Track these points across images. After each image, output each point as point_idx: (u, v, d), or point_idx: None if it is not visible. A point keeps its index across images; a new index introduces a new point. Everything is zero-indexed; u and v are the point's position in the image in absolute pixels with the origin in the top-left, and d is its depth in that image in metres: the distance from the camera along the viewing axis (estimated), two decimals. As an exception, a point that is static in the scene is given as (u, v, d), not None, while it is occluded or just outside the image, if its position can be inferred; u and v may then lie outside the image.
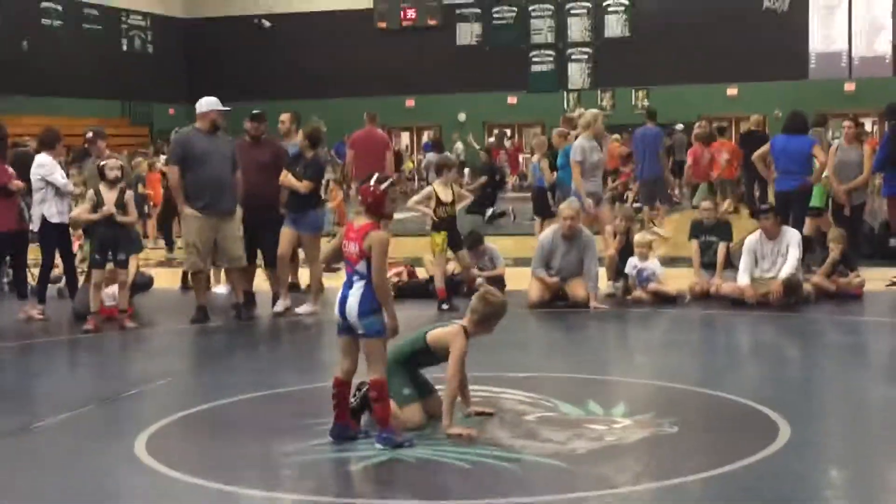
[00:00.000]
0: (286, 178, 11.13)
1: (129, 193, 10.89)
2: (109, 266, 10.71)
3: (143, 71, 37.10)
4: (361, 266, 6.27)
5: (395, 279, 12.46)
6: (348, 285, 6.33)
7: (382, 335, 6.29)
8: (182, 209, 10.90)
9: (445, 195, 11.59)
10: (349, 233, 6.39)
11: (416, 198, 11.98)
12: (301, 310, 11.20)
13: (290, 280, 11.91)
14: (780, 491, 5.47)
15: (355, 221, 6.45)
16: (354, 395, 6.61)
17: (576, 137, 13.30)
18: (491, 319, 6.77)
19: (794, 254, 11.12)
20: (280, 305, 11.34)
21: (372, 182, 6.46)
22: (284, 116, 12.86)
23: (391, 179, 6.56)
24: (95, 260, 10.66)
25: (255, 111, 11.87)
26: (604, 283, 11.81)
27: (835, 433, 6.74)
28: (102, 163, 10.91)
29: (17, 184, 11.09)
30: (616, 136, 23.17)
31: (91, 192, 10.79)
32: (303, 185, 11.08)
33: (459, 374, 6.60)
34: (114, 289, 10.91)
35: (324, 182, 12.73)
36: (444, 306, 11.21)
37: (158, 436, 6.67)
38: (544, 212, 15.75)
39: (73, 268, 11.81)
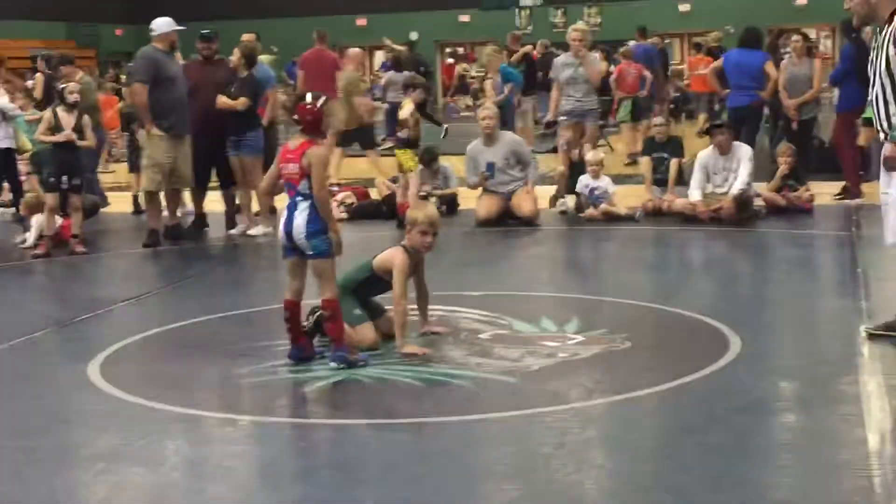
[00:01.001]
0: (221, 101, 10.99)
1: (87, 118, 10.73)
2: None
3: (88, -9, 36.41)
4: (304, 186, 6.22)
5: (348, 201, 12.44)
6: (293, 207, 6.27)
7: (330, 255, 6.27)
8: (149, 129, 10.75)
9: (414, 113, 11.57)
10: (286, 154, 6.32)
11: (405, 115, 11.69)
12: (254, 231, 11.16)
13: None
14: (730, 402, 5.55)
15: (291, 142, 6.38)
16: (307, 319, 6.61)
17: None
18: (418, 225, 6.71)
19: (746, 169, 11.18)
20: (239, 229, 11.32)
21: (308, 99, 6.38)
22: (248, 36, 12.75)
23: (325, 96, 6.48)
24: (51, 183, 10.53)
25: (204, 31, 11.70)
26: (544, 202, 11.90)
27: (785, 345, 6.84)
28: (62, 85, 10.76)
29: None
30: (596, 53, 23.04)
31: (48, 113, 10.64)
32: (239, 102, 10.97)
33: (404, 292, 6.61)
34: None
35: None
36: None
37: (112, 359, 6.65)
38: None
39: (21, 192, 11.67)
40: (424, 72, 21.31)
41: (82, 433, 5.49)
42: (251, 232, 11.15)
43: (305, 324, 6.59)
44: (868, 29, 11.63)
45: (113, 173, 17.37)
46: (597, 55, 13.08)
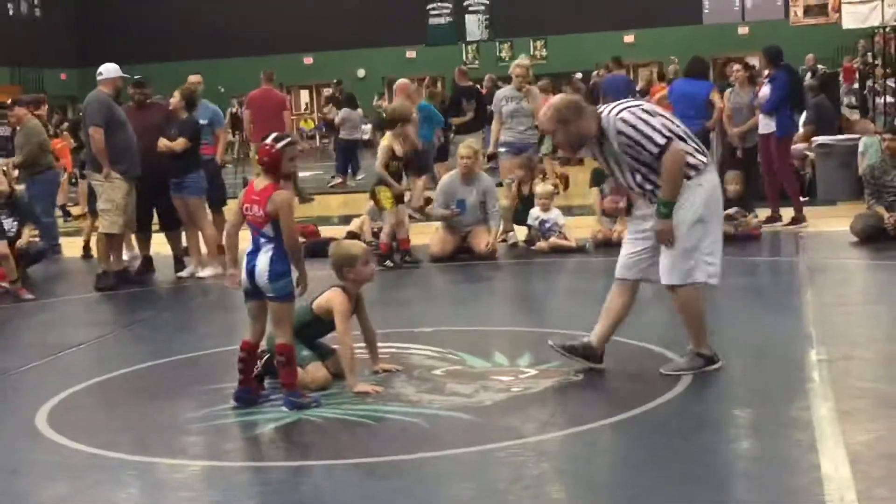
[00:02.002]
0: (162, 143, 10.97)
1: (2, 163, 10.69)
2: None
3: (32, 36, 36.20)
4: (268, 229, 6.15)
5: (302, 239, 12.39)
6: (255, 249, 6.21)
7: (291, 299, 6.21)
8: (107, 172, 10.67)
9: (399, 149, 11.36)
10: (250, 195, 6.26)
11: (381, 158, 11.43)
12: (203, 273, 11.09)
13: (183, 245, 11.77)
14: (684, 431, 5.55)
15: (256, 182, 6.33)
16: (256, 364, 6.55)
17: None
18: (359, 259, 6.70)
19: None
20: (188, 271, 11.27)
21: (269, 140, 6.34)
22: (194, 78, 12.74)
23: (289, 138, 6.44)
24: None
25: (136, 77, 11.79)
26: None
27: (736, 373, 6.83)
28: None
29: None
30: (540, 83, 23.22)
31: None
32: (178, 144, 10.94)
33: (348, 332, 6.57)
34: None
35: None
36: (388, 263, 11.07)
37: (60, 408, 6.55)
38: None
39: None
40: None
41: (29, 483, 5.39)
42: (201, 274, 11.08)
43: (256, 368, 6.53)
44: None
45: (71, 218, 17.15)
46: (535, 89, 13.12)
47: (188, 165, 11.05)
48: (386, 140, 11.43)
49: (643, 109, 6.36)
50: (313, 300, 6.76)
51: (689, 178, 6.34)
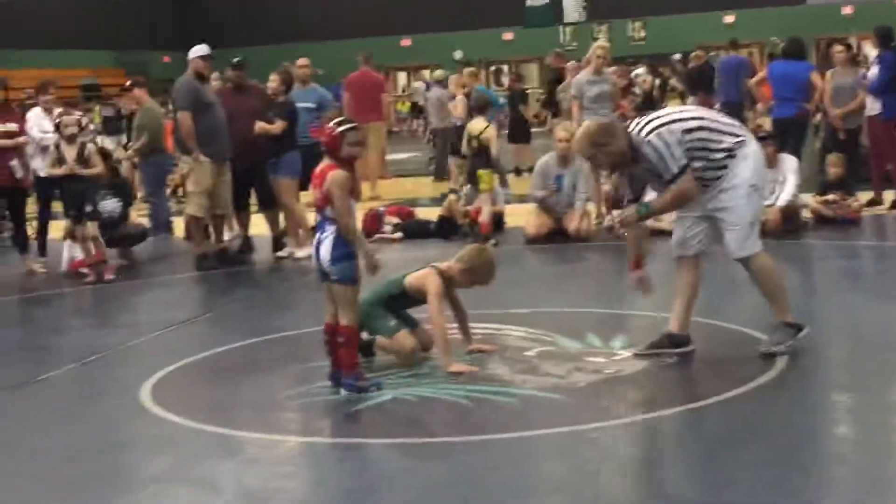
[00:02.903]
0: (259, 126, 11.12)
1: (91, 147, 10.95)
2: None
3: (136, 19, 36.85)
4: (329, 210, 6.20)
5: (395, 220, 12.51)
6: (321, 231, 6.28)
7: (353, 282, 6.21)
8: (196, 156, 10.89)
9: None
10: (314, 179, 6.34)
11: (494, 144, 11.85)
12: (300, 253, 11.25)
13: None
14: (779, 415, 5.53)
15: (319, 167, 6.37)
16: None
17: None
18: (481, 272, 6.81)
19: (792, 181, 11.11)
20: (287, 251, 11.44)
21: (331, 124, 6.38)
22: (303, 61, 12.89)
23: (352, 124, 6.38)
24: (68, 215, 10.83)
25: (236, 59, 11.87)
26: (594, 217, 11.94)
27: (833, 358, 6.78)
28: (58, 119, 10.95)
29: (2, 142, 10.92)
30: (613, 68, 23.15)
31: (52, 147, 10.87)
32: (276, 127, 11.10)
33: (442, 312, 6.63)
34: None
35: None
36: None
37: (163, 383, 6.73)
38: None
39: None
40: None
41: (134, 456, 5.57)
42: (298, 254, 11.24)
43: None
44: None
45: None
46: (637, 71, 13.13)
47: (286, 144, 11.22)
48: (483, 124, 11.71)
49: (671, 131, 6.37)
50: (406, 274, 6.84)
51: (733, 156, 6.43)
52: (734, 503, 4.45)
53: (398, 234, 12.14)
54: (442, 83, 18.72)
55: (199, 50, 11.10)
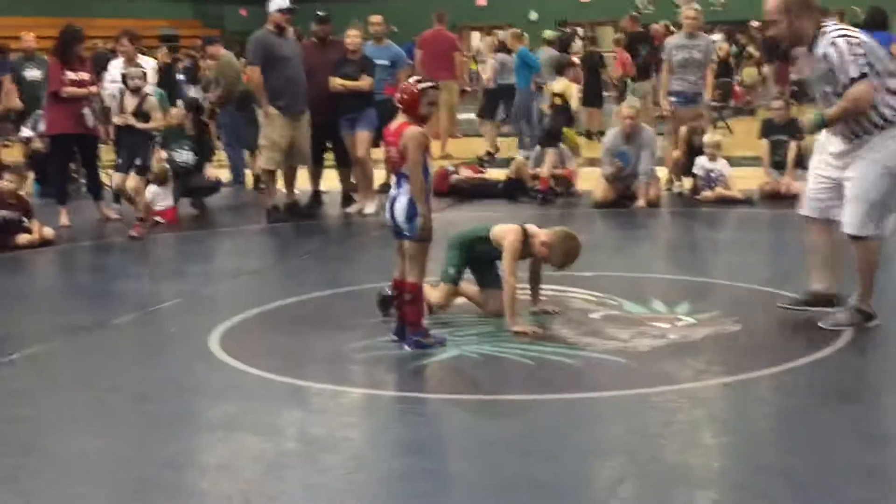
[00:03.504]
0: (338, 82, 11.13)
1: (152, 100, 10.94)
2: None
3: (213, -29, 37.08)
4: (405, 168, 6.25)
5: (465, 175, 12.56)
6: (397, 187, 6.33)
7: (426, 239, 6.29)
8: (266, 108, 11.01)
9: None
10: (387, 137, 6.39)
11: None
12: (369, 209, 11.35)
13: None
14: (843, 386, 5.53)
15: (392, 124, 6.43)
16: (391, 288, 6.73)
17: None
18: (557, 255, 6.81)
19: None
20: (355, 207, 11.53)
21: (412, 80, 6.45)
22: (376, 18, 12.93)
23: (431, 83, 6.46)
24: (118, 165, 10.94)
25: (320, 13, 11.89)
26: (663, 182, 11.88)
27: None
28: (124, 71, 11.02)
29: (73, 90, 10.96)
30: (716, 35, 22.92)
31: (116, 100, 10.94)
32: (365, 83, 11.15)
33: (514, 271, 6.67)
34: (154, 190, 11.18)
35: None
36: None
37: (232, 332, 6.85)
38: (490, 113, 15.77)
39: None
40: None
41: (202, 401, 5.69)
42: (367, 210, 11.33)
43: (388, 291, 6.77)
44: None
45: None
46: (712, 38, 12.93)
47: (366, 101, 11.28)
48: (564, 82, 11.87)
49: (858, 43, 6.25)
50: (495, 224, 6.95)
51: (881, 127, 6.28)
52: (795, 470, 4.46)
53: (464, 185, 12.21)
54: (553, 44, 18.61)
55: (280, 3, 11.16)
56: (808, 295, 6.74)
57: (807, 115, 6.59)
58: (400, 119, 6.33)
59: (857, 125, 6.32)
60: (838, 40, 6.23)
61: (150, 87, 11.90)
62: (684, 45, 12.27)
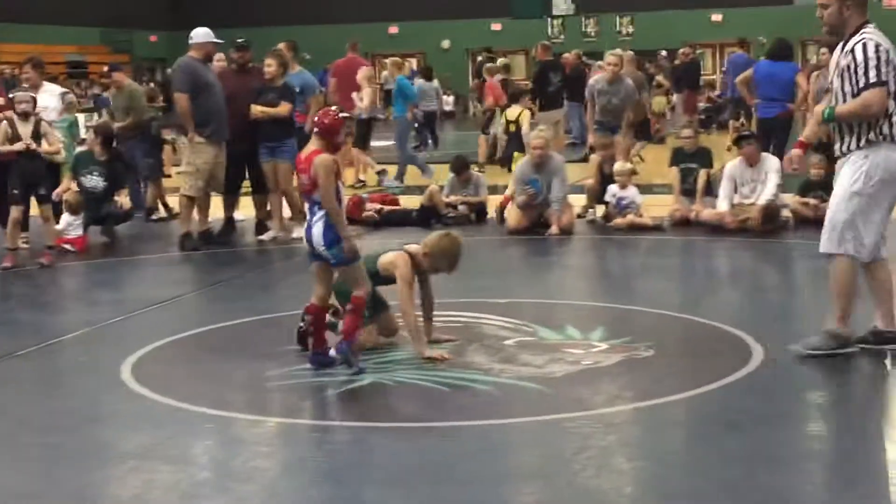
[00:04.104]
0: (258, 109, 11.12)
1: (45, 125, 10.56)
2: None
3: (123, -3, 36.75)
4: (317, 195, 6.28)
5: (378, 206, 12.56)
6: (311, 216, 6.35)
7: (352, 261, 6.32)
8: (192, 136, 10.92)
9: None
10: (298, 164, 6.41)
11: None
12: (295, 234, 11.32)
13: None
14: (752, 411, 5.61)
15: (303, 152, 6.45)
16: (303, 319, 6.72)
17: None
18: (441, 258, 6.79)
19: (774, 180, 11.19)
20: (269, 235, 11.47)
21: (333, 109, 6.51)
22: (282, 45, 12.88)
23: (348, 114, 6.57)
24: (14, 196, 10.34)
25: (239, 39, 11.85)
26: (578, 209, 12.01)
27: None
28: (11, 95, 10.62)
29: None
30: (600, 62, 23.28)
31: (4, 124, 10.35)
32: (283, 109, 11.13)
33: (411, 299, 6.65)
34: (67, 219, 10.99)
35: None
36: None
37: (144, 361, 6.77)
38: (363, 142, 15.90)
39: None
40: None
41: (113, 432, 5.61)
42: (293, 234, 11.31)
43: (301, 324, 6.72)
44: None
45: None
46: (629, 82, 13.23)
47: (287, 131, 11.26)
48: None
49: (887, 51, 6.30)
50: (380, 253, 6.85)
51: (860, 147, 6.34)
52: (705, 495, 4.52)
53: (374, 216, 12.18)
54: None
55: (207, 35, 11.15)
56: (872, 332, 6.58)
57: (819, 106, 6.66)
58: (312, 146, 6.35)
59: (850, 135, 6.37)
60: (869, 43, 6.29)
61: (53, 114, 11.73)
62: (606, 90, 12.56)
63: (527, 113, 13.25)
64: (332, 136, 6.33)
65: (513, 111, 14.42)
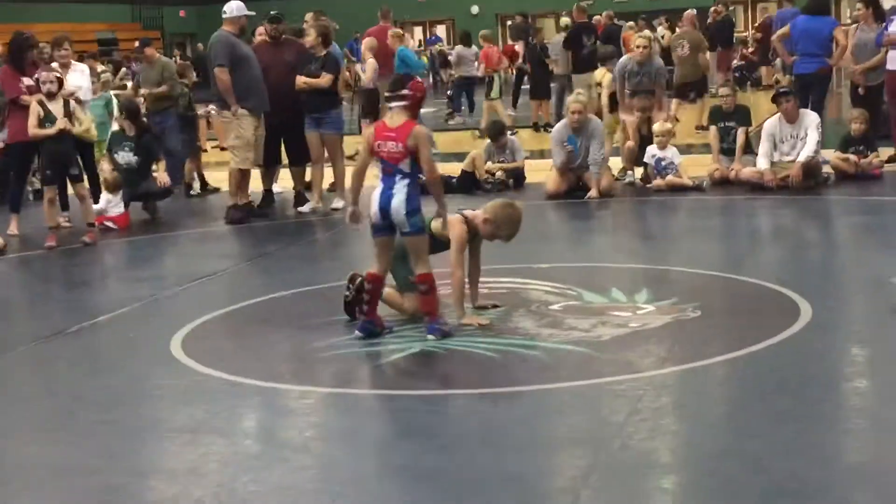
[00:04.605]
0: (302, 80, 11.17)
1: (73, 103, 10.58)
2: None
3: (152, -27, 36.79)
4: (405, 164, 6.33)
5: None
6: (390, 185, 6.36)
7: (425, 231, 6.43)
8: (235, 109, 10.96)
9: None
10: (383, 132, 6.41)
11: None
12: (338, 204, 11.38)
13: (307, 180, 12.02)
14: (801, 369, 5.60)
15: (389, 120, 6.48)
16: (349, 288, 6.75)
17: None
18: (503, 226, 6.83)
19: (814, 136, 11.12)
20: (309, 206, 11.51)
21: (419, 79, 6.60)
22: (309, 15, 12.89)
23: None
24: (47, 176, 10.59)
25: (272, 12, 11.90)
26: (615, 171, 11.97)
27: (855, 313, 6.84)
28: (37, 75, 10.54)
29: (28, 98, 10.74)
30: (630, 23, 23.12)
31: (35, 105, 10.32)
32: (324, 80, 11.15)
33: (461, 263, 6.71)
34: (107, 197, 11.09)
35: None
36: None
37: (193, 335, 6.83)
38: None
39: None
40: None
41: (167, 407, 5.66)
42: (336, 205, 11.35)
43: (346, 293, 6.75)
44: None
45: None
46: (660, 61, 13.16)
47: (331, 101, 11.30)
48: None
49: None
50: (432, 218, 6.80)
51: None
52: (759, 454, 4.52)
53: None
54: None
55: (240, 8, 11.18)
56: None
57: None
58: (401, 116, 6.39)
59: None
60: None
61: (88, 93, 11.80)
62: (636, 71, 12.47)
63: (608, 75, 13.26)
64: (417, 107, 6.51)
65: (598, 73, 14.53)
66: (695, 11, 18.84)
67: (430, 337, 6.35)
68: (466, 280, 6.92)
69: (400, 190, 6.32)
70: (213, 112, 13.65)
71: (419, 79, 6.63)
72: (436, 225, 6.80)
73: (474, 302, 6.96)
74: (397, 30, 17.66)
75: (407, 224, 6.34)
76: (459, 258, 6.72)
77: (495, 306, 6.99)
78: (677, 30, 20.35)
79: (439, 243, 6.83)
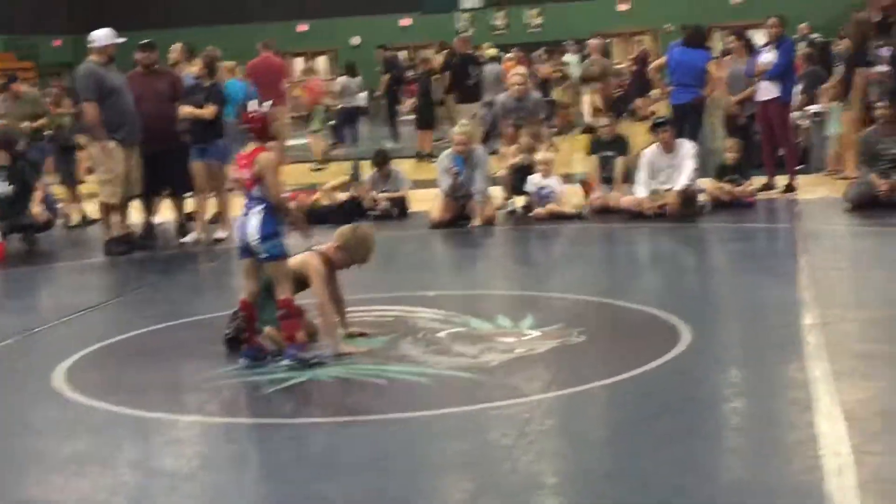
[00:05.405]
0: (186, 109, 11.08)
1: None
2: None
3: (25, 2, 36.06)
4: (257, 191, 6.40)
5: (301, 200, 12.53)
6: (247, 211, 6.44)
7: (284, 257, 6.42)
8: (104, 144, 10.77)
9: None
10: (239, 161, 6.53)
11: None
12: (220, 235, 11.28)
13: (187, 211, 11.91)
14: (682, 391, 5.74)
15: (244, 150, 6.56)
16: (229, 326, 6.74)
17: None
18: (356, 249, 6.85)
19: (690, 165, 11.40)
20: (192, 237, 11.39)
21: (250, 109, 6.65)
22: (175, 47, 12.80)
23: (269, 102, 6.82)
24: None
25: (144, 41, 11.70)
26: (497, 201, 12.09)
27: (733, 336, 7.04)
28: None
29: None
30: (509, 54, 23.43)
31: None
32: (208, 111, 11.06)
33: (326, 294, 6.68)
34: None
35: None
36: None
37: (76, 367, 6.72)
38: None
39: None
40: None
41: (51, 439, 5.55)
42: (219, 235, 11.25)
43: (227, 331, 6.73)
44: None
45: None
46: (537, 94, 13.47)
47: (216, 130, 11.21)
48: None
49: None
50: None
51: None
52: (645, 473, 4.62)
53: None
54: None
55: (108, 36, 10.97)
56: None
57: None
58: (252, 144, 6.47)
59: None
60: None
61: None
62: (513, 107, 12.66)
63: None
64: (265, 131, 6.55)
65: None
66: (604, 40, 19.07)
67: (286, 362, 6.34)
68: None
69: (255, 215, 6.37)
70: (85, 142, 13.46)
71: (252, 110, 6.65)
72: (292, 264, 6.75)
73: (344, 329, 6.95)
74: (229, 62, 17.58)
75: (262, 250, 6.36)
76: (323, 290, 6.69)
77: (362, 334, 7.00)
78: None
79: (298, 283, 6.74)
